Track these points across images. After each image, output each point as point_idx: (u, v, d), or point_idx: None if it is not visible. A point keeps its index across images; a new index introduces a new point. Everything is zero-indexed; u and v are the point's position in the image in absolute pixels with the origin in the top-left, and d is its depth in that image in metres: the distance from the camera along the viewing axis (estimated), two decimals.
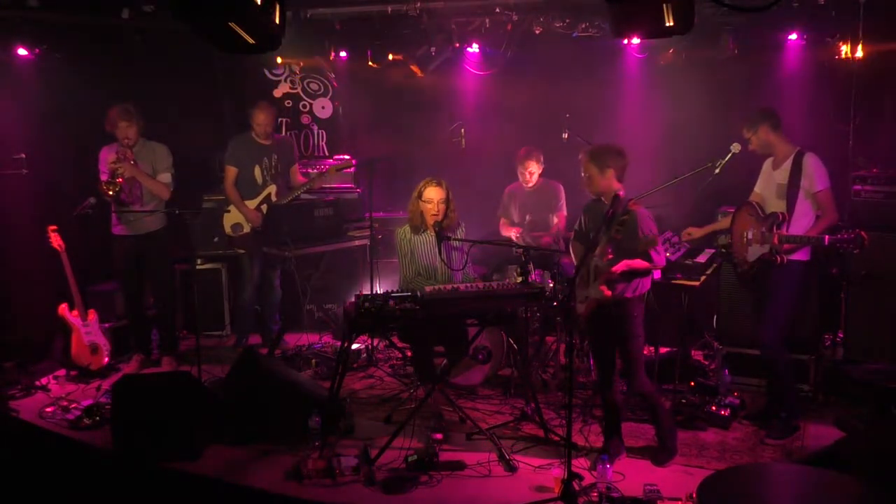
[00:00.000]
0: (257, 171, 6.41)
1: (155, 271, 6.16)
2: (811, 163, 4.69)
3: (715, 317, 5.75)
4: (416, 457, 4.41)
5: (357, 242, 6.77)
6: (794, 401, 4.88)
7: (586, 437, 4.80)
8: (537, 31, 6.36)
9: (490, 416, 5.16)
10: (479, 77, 7.16)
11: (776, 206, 4.76)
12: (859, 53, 5.76)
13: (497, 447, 4.57)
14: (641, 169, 5.78)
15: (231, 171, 6.38)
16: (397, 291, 4.67)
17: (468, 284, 4.87)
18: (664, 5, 3.12)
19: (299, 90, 7.76)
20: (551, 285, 4.76)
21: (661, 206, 5.41)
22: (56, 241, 5.81)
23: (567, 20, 6.28)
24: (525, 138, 6.46)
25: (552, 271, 5.66)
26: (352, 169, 7.19)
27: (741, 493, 3.36)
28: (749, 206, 4.90)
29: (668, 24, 3.17)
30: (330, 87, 7.82)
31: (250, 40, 3.29)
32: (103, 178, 5.73)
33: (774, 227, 4.65)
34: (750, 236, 4.81)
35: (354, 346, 6.00)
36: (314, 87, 7.80)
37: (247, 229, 6.44)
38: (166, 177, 5.94)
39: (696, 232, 5.28)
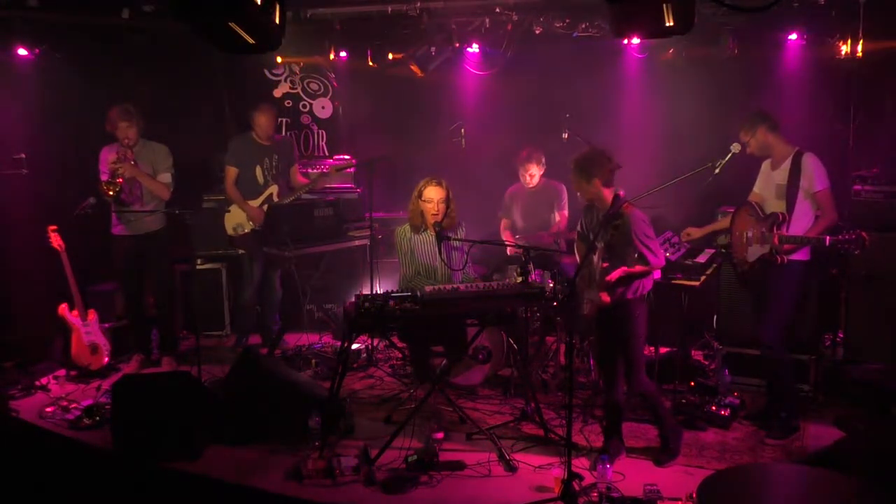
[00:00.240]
0: (258, 171, 6.41)
1: (155, 271, 6.16)
2: (810, 163, 4.68)
3: (715, 317, 5.75)
4: (416, 457, 4.41)
5: (357, 242, 6.76)
6: (794, 401, 4.88)
7: (586, 437, 4.80)
8: (537, 31, 6.36)
9: (490, 416, 5.16)
10: (479, 77, 7.16)
11: (775, 206, 4.76)
12: (859, 53, 5.75)
13: (497, 447, 4.57)
14: (641, 169, 5.79)
15: (232, 172, 6.38)
16: (397, 291, 4.68)
17: (468, 284, 4.87)
18: (664, 5, 3.12)
19: (299, 90, 7.76)
20: (551, 285, 4.76)
21: (661, 206, 5.41)
22: (56, 241, 5.81)
23: (567, 20, 6.27)
24: (525, 138, 6.46)
25: (552, 271, 5.65)
26: (352, 169, 7.20)
27: (741, 493, 3.37)
28: (749, 206, 4.90)
29: (668, 24, 3.17)
30: (330, 87, 7.82)
31: (250, 40, 3.29)
32: (103, 178, 5.73)
33: (774, 228, 4.65)
34: (750, 236, 4.81)
35: (354, 346, 6.00)
36: (314, 87, 7.80)
37: (247, 229, 6.45)
38: (166, 177, 5.94)
39: (696, 232, 5.27)
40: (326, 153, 7.78)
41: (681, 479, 4.26)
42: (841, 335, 5.64)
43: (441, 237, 4.99)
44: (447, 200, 5.15)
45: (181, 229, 5.89)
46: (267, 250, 6.42)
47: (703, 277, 5.22)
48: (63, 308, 5.90)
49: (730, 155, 4.80)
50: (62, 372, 6.00)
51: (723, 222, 5.27)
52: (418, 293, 4.57)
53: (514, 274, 4.91)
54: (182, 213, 5.86)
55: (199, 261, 6.88)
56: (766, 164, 4.95)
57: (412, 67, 7.05)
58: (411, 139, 7.24)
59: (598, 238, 4.28)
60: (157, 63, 6.75)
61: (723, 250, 5.41)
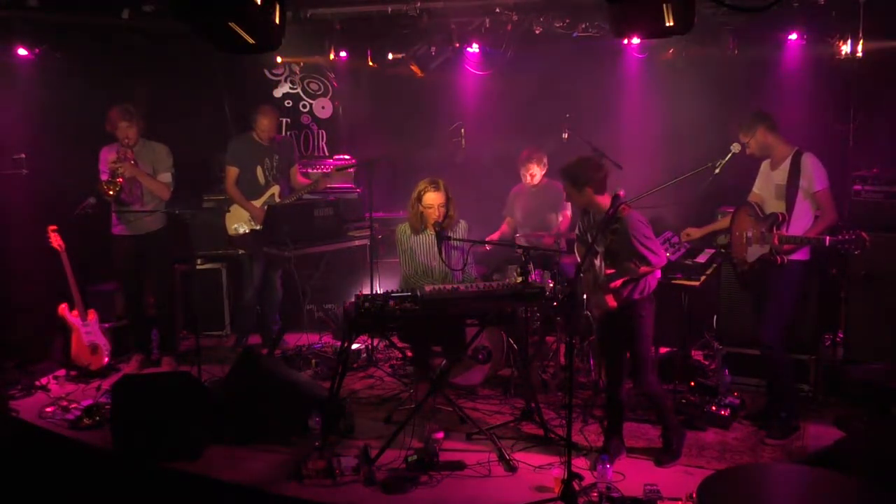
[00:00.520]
0: (259, 171, 6.41)
1: (155, 271, 6.16)
2: (810, 162, 4.68)
3: (715, 317, 5.75)
4: (416, 457, 4.41)
5: (357, 242, 6.76)
6: (794, 401, 4.88)
7: (586, 437, 4.80)
8: (537, 31, 6.36)
9: (490, 416, 5.16)
10: (479, 77, 7.15)
11: (775, 206, 4.76)
12: (859, 53, 5.75)
13: (497, 447, 4.57)
14: (641, 169, 5.80)
15: (232, 172, 6.38)
16: (397, 291, 4.68)
17: (468, 284, 4.87)
18: (664, 5, 3.13)
19: (299, 90, 7.76)
20: (551, 285, 4.76)
21: (661, 206, 5.41)
22: (56, 240, 5.81)
23: (567, 20, 6.27)
24: (525, 138, 6.46)
25: (552, 271, 5.65)
26: (353, 169, 7.20)
27: (741, 493, 3.37)
28: (748, 206, 4.90)
29: (668, 24, 3.18)
30: (330, 87, 7.82)
31: (250, 40, 3.30)
32: (103, 177, 5.73)
33: (774, 228, 4.65)
34: (749, 236, 4.81)
35: (354, 346, 6.00)
36: (314, 87, 7.80)
37: (248, 229, 6.45)
38: (166, 177, 5.94)
39: (695, 232, 5.27)
40: (326, 153, 7.78)
41: (681, 479, 4.26)
42: (841, 335, 5.64)
43: (441, 237, 5.00)
44: (447, 203, 5.16)
45: (181, 229, 5.90)
46: (267, 250, 6.41)
47: (703, 277, 5.21)
48: (63, 308, 5.90)
49: (730, 155, 4.80)
50: (62, 372, 6.00)
51: (722, 222, 5.27)
52: (418, 293, 4.57)
53: (514, 274, 4.91)
54: (182, 213, 5.87)
55: (199, 261, 6.87)
56: (765, 165, 4.95)
57: (412, 67, 7.06)
58: (411, 139, 7.25)
59: (597, 242, 4.28)
60: (157, 63, 6.75)
61: (722, 250, 5.40)
